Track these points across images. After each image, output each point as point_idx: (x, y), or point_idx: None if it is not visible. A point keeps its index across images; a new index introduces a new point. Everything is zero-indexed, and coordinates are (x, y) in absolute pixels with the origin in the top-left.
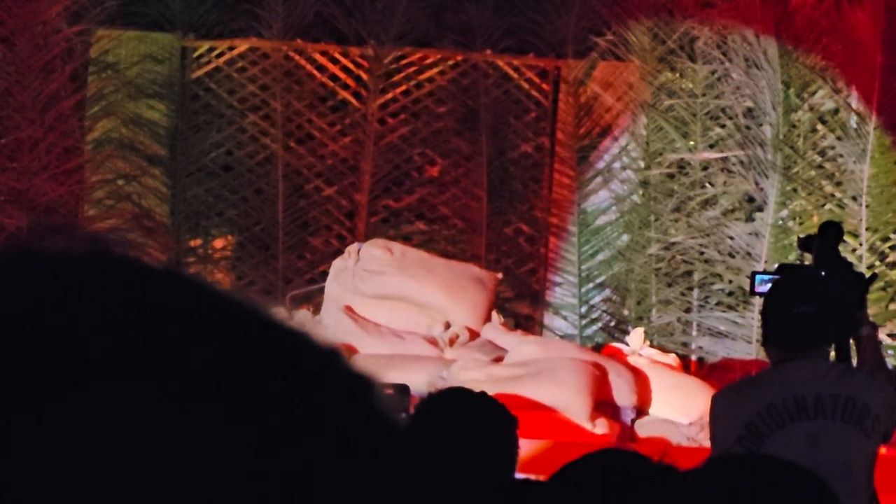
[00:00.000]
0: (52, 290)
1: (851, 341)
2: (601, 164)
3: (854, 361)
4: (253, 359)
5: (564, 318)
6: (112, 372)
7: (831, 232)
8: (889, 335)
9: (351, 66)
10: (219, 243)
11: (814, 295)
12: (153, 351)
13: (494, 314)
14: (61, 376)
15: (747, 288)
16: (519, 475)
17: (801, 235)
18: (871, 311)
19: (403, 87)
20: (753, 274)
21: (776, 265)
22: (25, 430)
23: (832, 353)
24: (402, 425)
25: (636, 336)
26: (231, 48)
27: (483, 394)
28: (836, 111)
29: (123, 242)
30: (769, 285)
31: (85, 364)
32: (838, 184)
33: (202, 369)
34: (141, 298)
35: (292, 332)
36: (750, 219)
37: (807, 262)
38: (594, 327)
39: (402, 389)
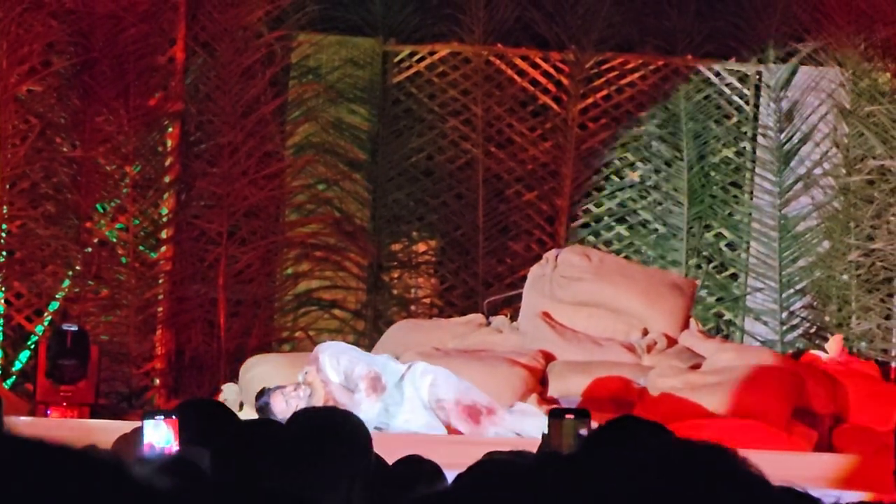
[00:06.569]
0: None
1: None
2: (802, 171)
3: None
4: None
5: (765, 323)
6: None
7: None
8: None
9: (552, 70)
10: (420, 247)
11: None
12: None
13: (692, 321)
14: None
15: None
16: None
17: None
18: None
19: (604, 92)
20: None
21: None
22: None
23: None
24: None
25: (834, 343)
26: (432, 53)
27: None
28: None
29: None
30: None
31: None
32: None
33: None
34: None
35: None
36: None
37: None
38: (794, 333)
39: (582, 414)
